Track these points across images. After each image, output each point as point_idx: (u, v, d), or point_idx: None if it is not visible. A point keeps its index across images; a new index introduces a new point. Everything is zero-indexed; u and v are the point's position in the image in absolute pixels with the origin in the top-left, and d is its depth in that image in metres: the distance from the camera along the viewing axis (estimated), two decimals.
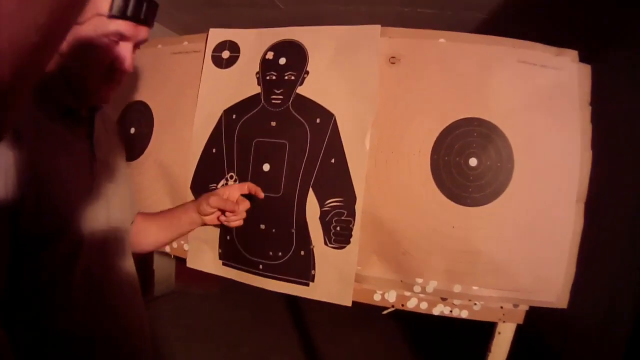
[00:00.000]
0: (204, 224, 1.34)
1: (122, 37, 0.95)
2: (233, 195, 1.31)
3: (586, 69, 1.22)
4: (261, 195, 1.31)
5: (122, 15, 0.91)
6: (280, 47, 1.39)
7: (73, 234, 0.92)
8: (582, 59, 1.22)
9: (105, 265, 1.04)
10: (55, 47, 0.46)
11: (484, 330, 1.30)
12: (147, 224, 1.32)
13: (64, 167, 0.92)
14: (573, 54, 1.22)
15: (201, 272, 1.48)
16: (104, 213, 1.04)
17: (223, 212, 1.30)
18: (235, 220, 1.31)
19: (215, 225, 1.42)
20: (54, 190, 0.88)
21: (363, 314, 1.40)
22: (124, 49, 0.97)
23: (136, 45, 1.01)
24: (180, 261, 1.52)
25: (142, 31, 0.99)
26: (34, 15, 0.38)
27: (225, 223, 1.31)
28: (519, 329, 1.26)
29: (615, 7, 2.35)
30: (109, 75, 0.98)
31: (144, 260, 3.66)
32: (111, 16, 0.90)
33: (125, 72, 0.99)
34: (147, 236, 1.32)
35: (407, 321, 3.10)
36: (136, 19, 0.94)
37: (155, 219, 1.35)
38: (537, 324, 1.26)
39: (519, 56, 1.22)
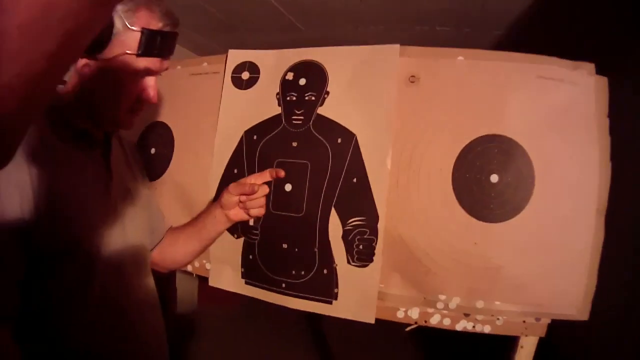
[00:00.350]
0: (230, 221, 1.33)
1: (149, 72, 1.01)
2: (254, 182, 1.30)
3: (603, 82, 1.22)
4: (282, 174, 1.30)
5: (150, 53, 0.96)
6: (300, 68, 1.40)
7: (87, 253, 0.94)
8: (600, 70, 1.22)
9: (122, 284, 1.05)
10: (65, 70, 0.47)
11: (505, 344, 1.31)
12: (175, 237, 1.34)
13: (78, 187, 0.94)
14: (590, 67, 1.22)
15: (223, 291, 1.49)
16: (120, 232, 1.05)
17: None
18: (255, 208, 1.30)
19: (237, 245, 1.43)
20: (68, 210, 0.90)
21: (386, 329, 1.40)
22: (150, 82, 1.03)
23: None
24: (203, 280, 1.53)
25: (166, 63, 1.04)
26: (44, 44, 0.38)
27: (245, 212, 1.31)
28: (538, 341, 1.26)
29: (632, 18, 2.35)
30: (134, 105, 1.04)
31: (166, 279, 3.65)
32: (140, 55, 0.93)
33: (151, 103, 1.05)
34: (176, 249, 1.34)
35: (430, 336, 3.10)
36: (162, 55, 1.00)
37: (181, 230, 1.37)
38: (553, 333, 1.26)
39: (537, 72, 1.22)
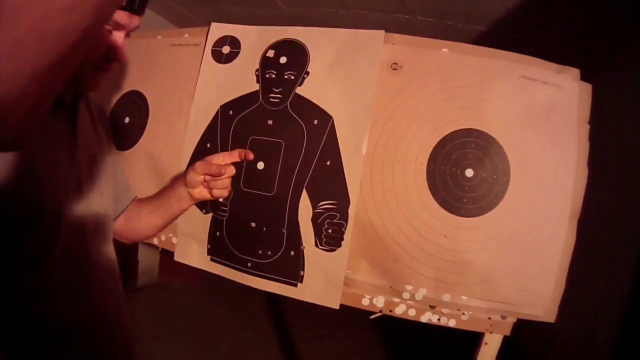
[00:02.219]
0: (194, 200, 1.27)
1: (117, 26, 0.96)
2: (222, 161, 1.23)
3: (587, 88, 1.22)
4: (251, 157, 1.23)
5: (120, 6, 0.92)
6: (282, 46, 1.38)
7: (51, 218, 0.91)
8: (583, 77, 1.22)
9: (84, 251, 1.02)
10: (91, 33, 0.42)
11: (470, 340, 1.30)
12: (139, 209, 1.31)
13: (44, 151, 0.92)
14: (575, 72, 1.23)
15: (184, 265, 1.47)
16: (83, 199, 1.02)
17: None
18: (219, 188, 1.23)
19: (205, 221, 1.41)
20: (33, 173, 0.88)
21: (347, 315, 1.39)
22: (118, 38, 0.98)
23: (127, 34, 1.02)
24: (164, 253, 1.51)
25: (135, 20, 1.00)
26: None
27: (208, 191, 1.25)
28: (504, 339, 1.26)
29: (614, 27, 2.37)
30: (101, 64, 0.99)
31: (128, 251, 3.63)
32: None
33: (119, 61, 1.00)
34: (139, 220, 1.30)
35: (392, 326, 3.11)
36: (131, 9, 0.96)
37: (146, 202, 1.33)
38: (520, 335, 1.26)
39: (520, 71, 1.23)
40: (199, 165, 1.22)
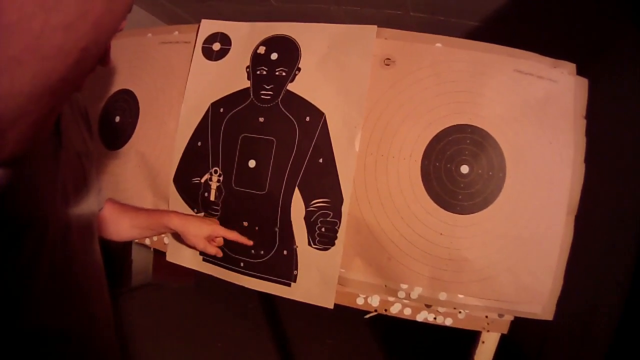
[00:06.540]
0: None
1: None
2: (219, 240, 1.35)
3: (583, 82, 1.21)
4: (250, 243, 1.34)
5: None
6: (273, 42, 1.36)
7: (38, 222, 0.89)
8: (577, 71, 1.21)
9: (72, 253, 1.00)
10: (92, 52, 0.42)
11: (467, 338, 1.29)
12: (121, 219, 1.28)
13: (27, 153, 0.89)
14: (570, 66, 1.21)
15: (178, 265, 1.45)
16: (70, 200, 1.00)
17: None
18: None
19: None
20: (18, 176, 0.85)
21: (343, 313, 1.38)
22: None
23: None
24: (158, 253, 1.50)
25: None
26: (63, 12, 0.34)
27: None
28: (501, 336, 1.25)
29: (609, 20, 2.36)
30: None
31: (123, 251, 3.64)
32: None
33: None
34: (118, 230, 1.28)
35: (388, 324, 3.10)
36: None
37: (129, 216, 1.29)
38: (516, 330, 1.25)
39: (515, 65, 1.21)
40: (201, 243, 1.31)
